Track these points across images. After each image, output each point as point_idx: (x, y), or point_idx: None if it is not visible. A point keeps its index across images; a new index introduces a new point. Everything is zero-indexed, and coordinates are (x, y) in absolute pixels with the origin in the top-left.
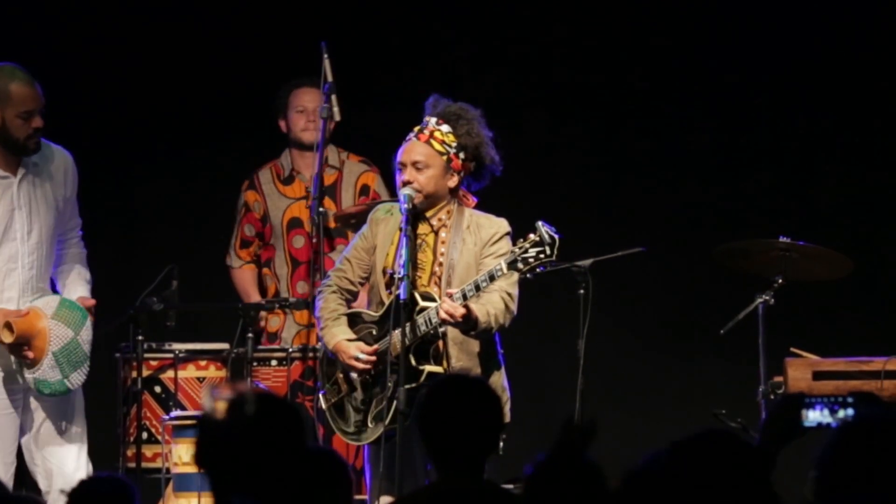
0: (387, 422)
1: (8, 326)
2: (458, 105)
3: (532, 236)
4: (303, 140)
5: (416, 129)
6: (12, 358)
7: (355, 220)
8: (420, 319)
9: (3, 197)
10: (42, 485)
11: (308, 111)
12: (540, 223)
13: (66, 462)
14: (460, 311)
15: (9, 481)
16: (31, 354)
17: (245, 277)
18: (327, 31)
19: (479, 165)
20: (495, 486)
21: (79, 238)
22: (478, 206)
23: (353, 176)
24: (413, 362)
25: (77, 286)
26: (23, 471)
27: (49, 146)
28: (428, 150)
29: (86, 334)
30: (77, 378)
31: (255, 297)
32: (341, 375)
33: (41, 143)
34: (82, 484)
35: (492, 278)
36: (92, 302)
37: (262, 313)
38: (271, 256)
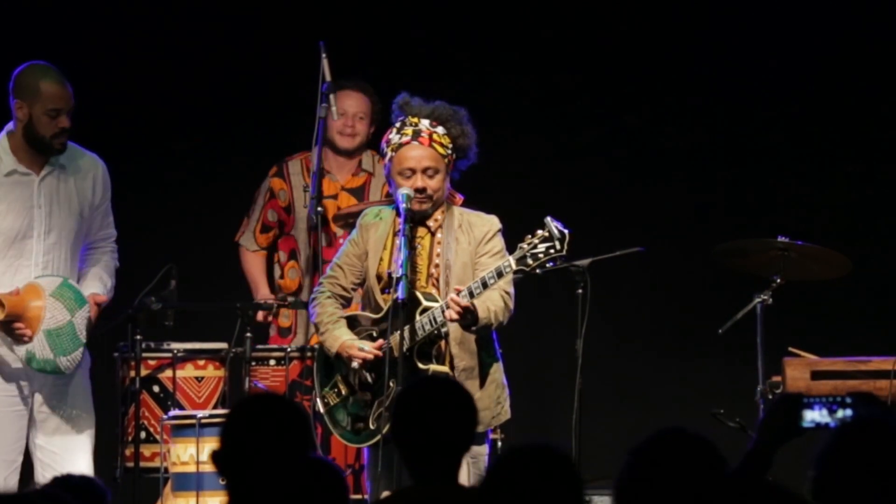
0: (387, 426)
1: (0, 304)
2: (444, 105)
3: (541, 232)
4: (338, 144)
5: (409, 131)
6: (12, 351)
7: (353, 220)
8: (424, 319)
9: (22, 194)
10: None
11: (348, 115)
12: (549, 219)
13: (75, 469)
14: (464, 303)
15: (12, 479)
16: (28, 332)
17: (257, 263)
18: (326, 30)
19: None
20: (469, 491)
21: (111, 249)
22: (475, 204)
23: (382, 179)
24: (417, 363)
25: (90, 284)
26: (27, 470)
27: (81, 151)
28: (434, 154)
29: (81, 319)
30: (69, 362)
31: (263, 286)
32: (341, 378)
33: (70, 146)
34: (55, 481)
35: (500, 275)
36: (102, 298)
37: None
38: (294, 248)
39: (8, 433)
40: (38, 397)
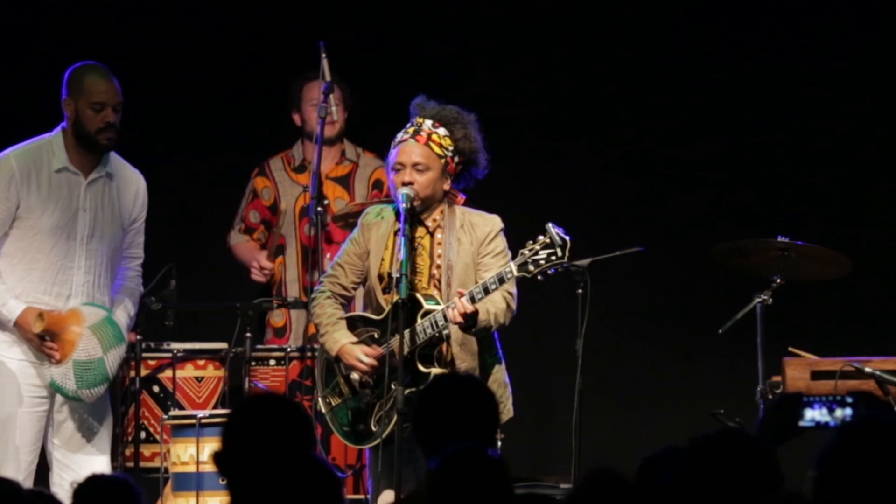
0: (388, 428)
1: (41, 316)
2: (454, 108)
3: (542, 238)
4: (317, 133)
5: (411, 129)
6: (37, 359)
7: (354, 220)
8: (426, 323)
9: (70, 193)
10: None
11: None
12: (550, 225)
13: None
14: (469, 308)
15: (28, 480)
16: (57, 355)
17: (247, 246)
18: (326, 30)
19: (465, 169)
20: None
21: (137, 273)
22: (476, 205)
23: (367, 169)
24: (419, 367)
25: (117, 316)
26: (42, 473)
27: (127, 165)
28: (428, 152)
29: (114, 357)
30: (90, 395)
31: (260, 256)
32: (342, 379)
33: (117, 158)
34: (89, 480)
35: (501, 281)
36: (130, 337)
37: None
38: (283, 244)
39: (28, 434)
40: (58, 398)
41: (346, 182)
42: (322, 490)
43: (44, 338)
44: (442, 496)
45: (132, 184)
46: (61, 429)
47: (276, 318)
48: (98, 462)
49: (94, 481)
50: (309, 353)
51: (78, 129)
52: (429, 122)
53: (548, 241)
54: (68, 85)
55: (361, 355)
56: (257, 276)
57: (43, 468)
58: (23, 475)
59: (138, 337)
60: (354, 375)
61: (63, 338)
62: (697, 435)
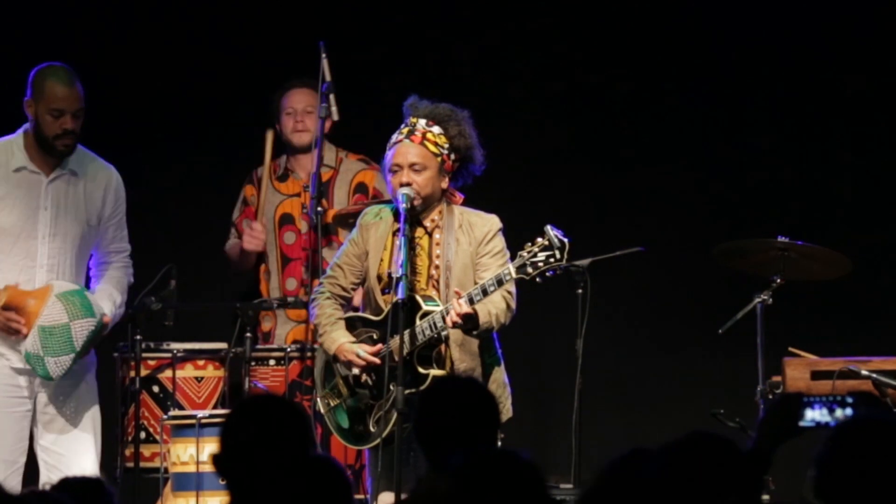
0: (387, 428)
1: (4, 289)
2: (447, 106)
3: (540, 240)
4: (293, 142)
5: (405, 130)
6: (16, 350)
7: (353, 220)
8: (424, 324)
9: (29, 192)
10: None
11: (297, 112)
12: (549, 227)
13: (81, 470)
14: (466, 309)
15: (14, 480)
16: (23, 329)
17: (235, 241)
18: (326, 30)
19: (462, 166)
20: None
21: (124, 264)
22: (475, 205)
23: (349, 174)
24: (418, 367)
25: (100, 303)
26: (31, 472)
27: (95, 159)
28: (423, 151)
29: (80, 328)
30: (56, 366)
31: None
32: (341, 380)
33: (85, 152)
34: (62, 482)
35: (499, 283)
36: (107, 320)
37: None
38: (264, 252)
39: (9, 434)
40: (41, 398)
41: (325, 189)
42: (329, 489)
43: (8, 310)
44: (472, 498)
45: (101, 179)
46: (48, 429)
47: (265, 322)
48: (85, 462)
49: (66, 483)
50: (309, 354)
51: (37, 132)
52: (423, 122)
53: (546, 243)
54: (31, 86)
55: (359, 350)
56: (250, 242)
57: (32, 469)
58: (5, 475)
59: (137, 337)
60: (355, 370)
61: (28, 310)
62: (669, 440)
